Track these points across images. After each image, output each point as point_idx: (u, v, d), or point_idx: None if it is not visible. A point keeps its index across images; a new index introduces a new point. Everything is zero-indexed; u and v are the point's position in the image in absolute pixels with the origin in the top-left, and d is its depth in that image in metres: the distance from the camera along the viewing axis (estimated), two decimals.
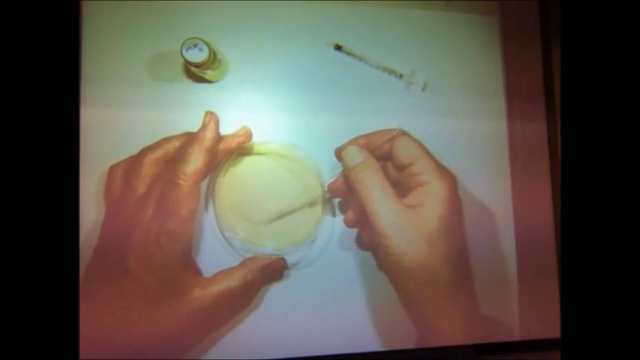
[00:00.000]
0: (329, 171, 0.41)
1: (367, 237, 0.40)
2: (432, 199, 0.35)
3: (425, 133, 0.44)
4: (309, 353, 0.40)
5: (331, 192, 0.41)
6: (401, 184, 0.39)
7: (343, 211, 0.42)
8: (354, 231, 0.42)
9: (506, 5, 0.47)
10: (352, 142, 0.39)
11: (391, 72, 0.44)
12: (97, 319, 0.34)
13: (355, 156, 0.37)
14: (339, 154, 0.39)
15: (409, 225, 0.35)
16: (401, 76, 0.44)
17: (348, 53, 0.44)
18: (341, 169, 0.39)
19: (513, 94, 0.46)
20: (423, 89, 0.44)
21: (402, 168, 0.38)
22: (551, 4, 0.48)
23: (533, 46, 0.47)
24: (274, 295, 0.41)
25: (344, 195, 0.41)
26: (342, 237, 0.42)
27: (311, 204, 0.41)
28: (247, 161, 0.41)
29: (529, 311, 0.44)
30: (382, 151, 0.39)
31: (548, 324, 0.44)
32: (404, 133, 0.38)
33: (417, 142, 0.38)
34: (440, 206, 0.35)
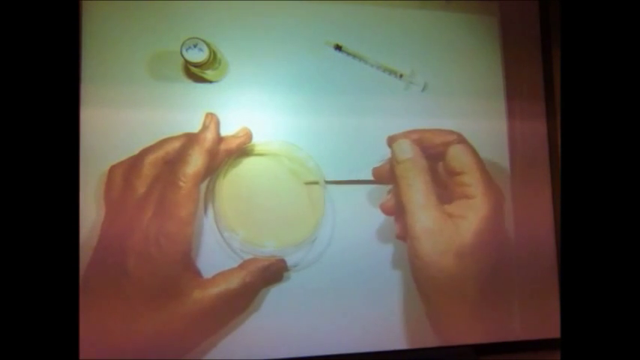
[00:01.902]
0: (330, 171, 0.41)
1: (400, 230, 0.40)
2: (473, 213, 0.35)
3: None
4: (309, 354, 0.40)
5: (375, 176, 0.40)
6: (447, 188, 0.38)
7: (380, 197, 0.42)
8: (354, 231, 0.42)
9: (506, 5, 0.47)
10: (406, 134, 0.38)
11: (391, 72, 0.44)
12: (97, 320, 0.34)
13: (405, 150, 0.36)
14: (390, 142, 0.38)
15: (443, 235, 0.34)
16: (401, 76, 0.44)
17: (348, 53, 0.44)
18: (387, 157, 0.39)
19: (513, 94, 0.46)
20: (423, 89, 0.44)
21: (452, 174, 0.37)
22: (551, 4, 0.48)
23: (533, 46, 0.47)
24: (274, 296, 0.40)
25: (385, 182, 0.40)
26: (343, 238, 0.42)
27: (312, 204, 0.41)
28: (247, 162, 0.41)
29: (529, 311, 0.44)
30: (435, 151, 0.38)
31: (548, 324, 0.44)
32: (462, 140, 0.38)
33: (473, 152, 0.37)
34: (479, 223, 0.35)
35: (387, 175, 0.40)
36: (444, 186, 0.38)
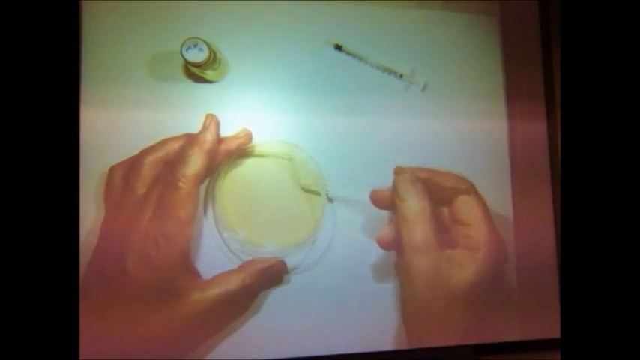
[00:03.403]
0: (330, 172, 0.41)
1: (399, 263, 0.39)
2: (474, 265, 0.35)
3: (425, 133, 0.44)
4: (308, 354, 0.40)
5: (372, 199, 0.39)
6: (449, 233, 0.38)
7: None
8: (355, 234, 0.42)
9: (506, 5, 0.47)
10: (414, 171, 0.38)
11: (391, 72, 0.44)
12: (96, 320, 0.34)
13: (410, 189, 0.36)
14: (397, 174, 0.38)
15: (439, 277, 0.35)
16: (401, 76, 0.44)
17: (348, 53, 0.44)
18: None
19: (513, 94, 0.46)
20: (423, 89, 0.44)
21: (457, 223, 0.37)
22: (551, 4, 0.48)
23: (533, 46, 0.47)
24: (274, 299, 0.40)
25: (382, 207, 0.39)
26: (343, 240, 0.42)
27: (311, 205, 0.41)
28: (247, 163, 0.41)
29: (529, 311, 0.44)
30: (442, 196, 0.38)
31: (548, 324, 0.44)
32: (472, 191, 0.37)
33: (482, 204, 0.37)
34: (478, 274, 0.35)
35: (384, 203, 0.39)
36: (447, 230, 0.38)
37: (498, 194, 0.45)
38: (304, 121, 0.42)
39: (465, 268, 0.35)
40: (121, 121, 0.40)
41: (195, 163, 0.36)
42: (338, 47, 0.43)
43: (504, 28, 0.47)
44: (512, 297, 0.44)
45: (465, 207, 0.37)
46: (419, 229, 0.35)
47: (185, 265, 0.37)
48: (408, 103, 0.44)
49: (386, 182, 0.43)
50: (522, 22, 0.47)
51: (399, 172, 0.38)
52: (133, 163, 0.37)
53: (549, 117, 0.47)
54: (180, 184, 0.35)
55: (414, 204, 0.36)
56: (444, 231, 0.38)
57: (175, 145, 0.37)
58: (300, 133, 0.42)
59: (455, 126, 0.45)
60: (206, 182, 0.40)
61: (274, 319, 0.40)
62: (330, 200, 0.41)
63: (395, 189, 0.37)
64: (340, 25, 0.44)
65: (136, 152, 0.38)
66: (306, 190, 0.41)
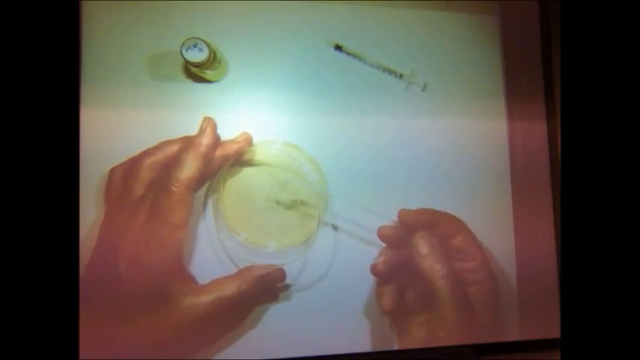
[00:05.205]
0: (330, 171, 0.41)
1: (388, 304, 0.40)
2: (486, 299, 0.39)
3: (425, 133, 0.44)
4: (308, 354, 0.40)
5: (381, 237, 0.40)
6: (456, 268, 0.39)
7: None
8: (356, 238, 0.42)
9: (506, 5, 0.47)
10: (419, 213, 0.41)
11: (391, 72, 0.44)
12: (91, 322, 0.34)
13: (428, 247, 0.38)
14: (404, 218, 0.40)
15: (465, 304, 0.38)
16: (401, 76, 0.44)
17: (348, 53, 0.44)
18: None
19: (513, 94, 0.46)
20: (423, 89, 0.44)
21: (460, 260, 0.40)
22: (551, 4, 0.48)
23: (533, 46, 0.47)
24: (273, 310, 0.40)
25: (391, 245, 0.40)
26: (346, 249, 0.42)
27: (309, 212, 0.41)
28: (247, 167, 0.41)
29: (529, 311, 0.44)
30: (445, 233, 0.40)
31: (548, 324, 0.44)
32: (466, 227, 0.41)
33: (476, 239, 0.41)
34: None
35: (396, 241, 0.40)
36: (454, 266, 0.39)
37: (498, 194, 0.45)
38: (304, 121, 0.42)
39: (483, 305, 0.39)
40: (121, 121, 0.40)
41: (190, 166, 0.35)
42: (338, 47, 0.43)
43: (504, 28, 0.47)
44: (512, 297, 0.44)
45: (465, 245, 0.40)
46: (444, 282, 0.37)
47: (178, 270, 0.36)
48: (408, 103, 0.44)
49: (385, 183, 0.43)
50: (522, 22, 0.47)
51: (407, 215, 0.40)
52: (132, 165, 0.37)
53: (549, 117, 0.47)
54: (174, 187, 0.35)
55: (435, 261, 0.38)
56: (454, 269, 0.39)
57: (174, 148, 0.37)
58: (300, 134, 0.42)
59: (455, 126, 0.45)
60: (206, 186, 0.40)
61: (274, 330, 0.40)
62: (335, 228, 0.42)
63: (414, 247, 0.39)
64: (340, 25, 0.44)
65: (135, 153, 0.38)
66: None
